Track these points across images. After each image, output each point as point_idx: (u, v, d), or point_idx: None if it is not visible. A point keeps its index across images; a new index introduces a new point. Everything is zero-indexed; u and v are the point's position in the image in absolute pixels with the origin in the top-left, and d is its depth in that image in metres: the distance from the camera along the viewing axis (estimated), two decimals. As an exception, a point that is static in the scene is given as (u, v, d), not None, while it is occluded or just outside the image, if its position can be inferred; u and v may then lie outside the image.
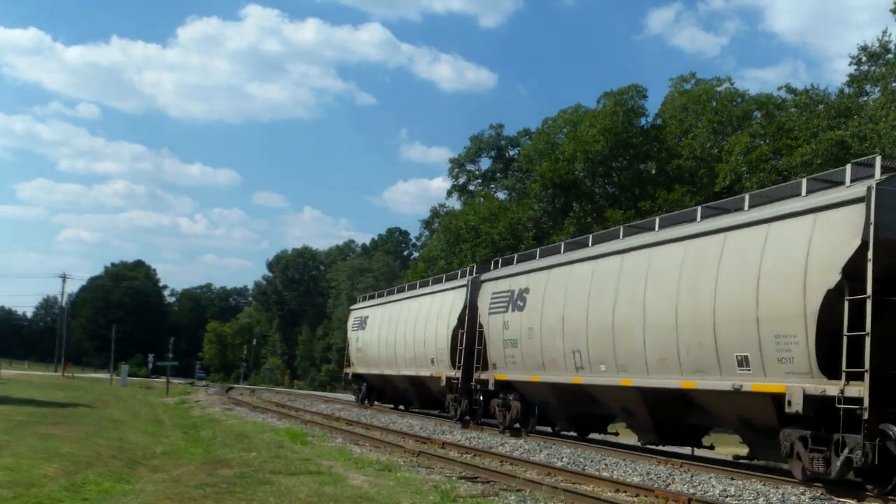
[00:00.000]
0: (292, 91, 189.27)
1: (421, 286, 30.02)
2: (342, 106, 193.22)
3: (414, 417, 27.78)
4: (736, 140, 40.82)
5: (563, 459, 15.73)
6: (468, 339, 23.61)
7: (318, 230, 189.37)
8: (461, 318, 24.23)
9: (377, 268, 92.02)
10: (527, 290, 20.18)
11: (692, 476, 13.60)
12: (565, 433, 21.73)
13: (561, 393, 19.30)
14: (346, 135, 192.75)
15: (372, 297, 35.82)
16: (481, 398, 22.95)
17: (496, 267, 23.58)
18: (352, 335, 36.02)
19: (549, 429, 21.88)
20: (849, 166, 12.59)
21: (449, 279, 27.57)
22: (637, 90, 48.70)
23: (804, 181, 13.37)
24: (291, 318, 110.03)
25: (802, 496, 11.59)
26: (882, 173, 11.90)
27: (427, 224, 76.24)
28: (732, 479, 13.43)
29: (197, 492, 10.21)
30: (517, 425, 21.11)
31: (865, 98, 35.83)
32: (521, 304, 20.27)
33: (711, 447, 17.55)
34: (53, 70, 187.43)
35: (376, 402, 34.16)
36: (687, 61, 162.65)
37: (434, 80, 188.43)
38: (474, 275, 24.65)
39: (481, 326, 22.54)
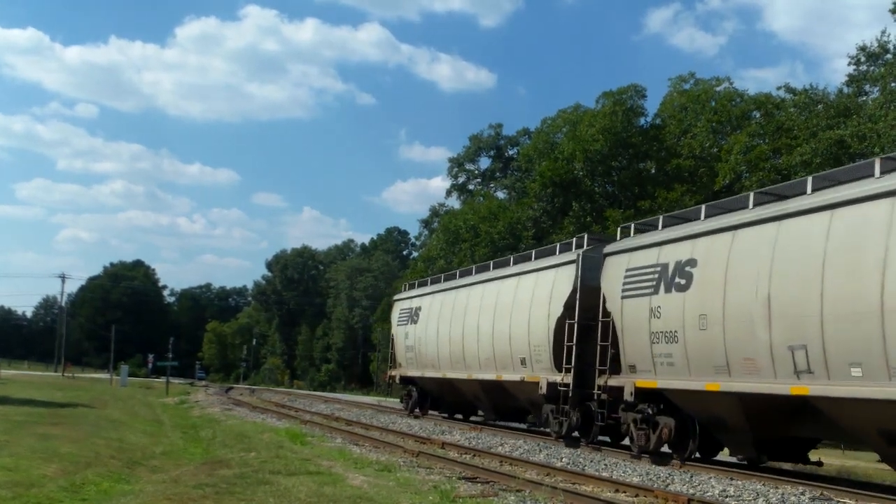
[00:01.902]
0: (291, 91, 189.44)
1: (496, 267, 24.14)
2: (341, 106, 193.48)
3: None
4: (735, 139, 40.88)
5: (563, 460, 15.72)
6: (581, 333, 18.44)
7: (317, 230, 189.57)
8: (569, 305, 18.72)
9: (376, 267, 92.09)
10: (692, 263, 14.81)
11: (691, 476, 13.58)
12: (734, 460, 16.43)
13: (756, 407, 13.78)
14: (346, 135, 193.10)
15: (423, 284, 29.60)
16: (598, 410, 17.65)
17: (626, 235, 18.02)
18: (399, 330, 29.80)
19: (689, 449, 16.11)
20: None
21: (541, 256, 21.79)
22: (636, 90, 48.87)
23: None
24: (291, 318, 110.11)
25: (802, 496, 11.57)
26: None
27: (426, 224, 76.38)
28: (732, 479, 13.41)
29: (196, 492, 10.20)
30: (666, 449, 16.07)
31: (864, 98, 35.89)
32: (683, 281, 14.89)
33: None
34: (52, 70, 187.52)
35: (431, 412, 28.51)
36: (686, 61, 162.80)
37: (434, 80, 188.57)
38: (587, 246, 19.14)
39: (608, 315, 17.18)
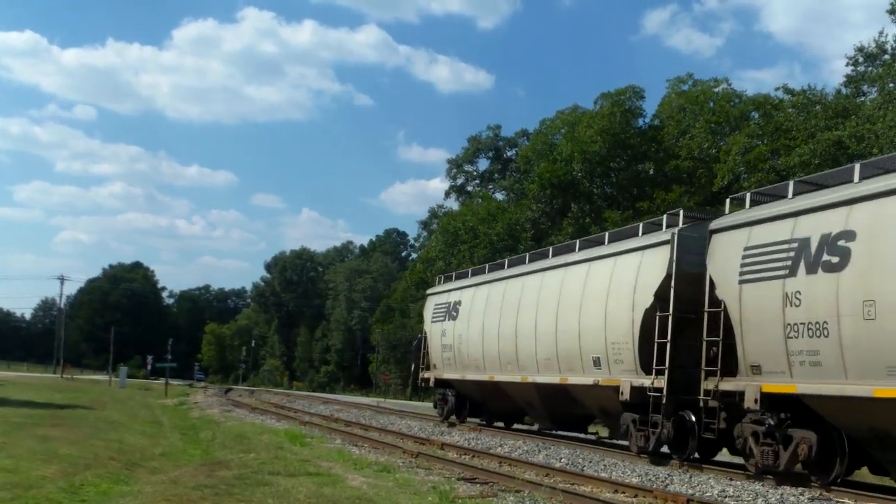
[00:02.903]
0: (289, 93, 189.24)
1: (557, 254, 20.88)
2: (339, 107, 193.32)
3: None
4: (733, 140, 40.89)
5: (562, 460, 15.73)
6: (675, 327, 15.44)
7: (315, 231, 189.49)
8: (660, 295, 15.64)
9: (375, 269, 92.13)
10: (848, 235, 11.83)
11: (690, 476, 13.60)
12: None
13: None
14: (344, 136, 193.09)
15: (463, 277, 26.35)
16: (704, 420, 14.66)
17: (736, 208, 15.02)
18: (433, 327, 26.40)
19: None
20: None
21: (616, 238, 18.56)
22: (634, 91, 48.90)
23: None
24: (290, 320, 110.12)
25: (801, 496, 11.59)
26: None
27: (425, 225, 76.46)
28: (731, 479, 13.43)
29: (195, 493, 10.20)
30: (800, 469, 13.20)
31: (862, 98, 35.95)
32: (836, 259, 11.89)
33: None
34: (50, 72, 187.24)
35: (469, 420, 25.06)
36: (684, 62, 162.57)
37: (432, 81, 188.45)
38: (683, 225, 16.07)
39: (716, 305, 14.22)
